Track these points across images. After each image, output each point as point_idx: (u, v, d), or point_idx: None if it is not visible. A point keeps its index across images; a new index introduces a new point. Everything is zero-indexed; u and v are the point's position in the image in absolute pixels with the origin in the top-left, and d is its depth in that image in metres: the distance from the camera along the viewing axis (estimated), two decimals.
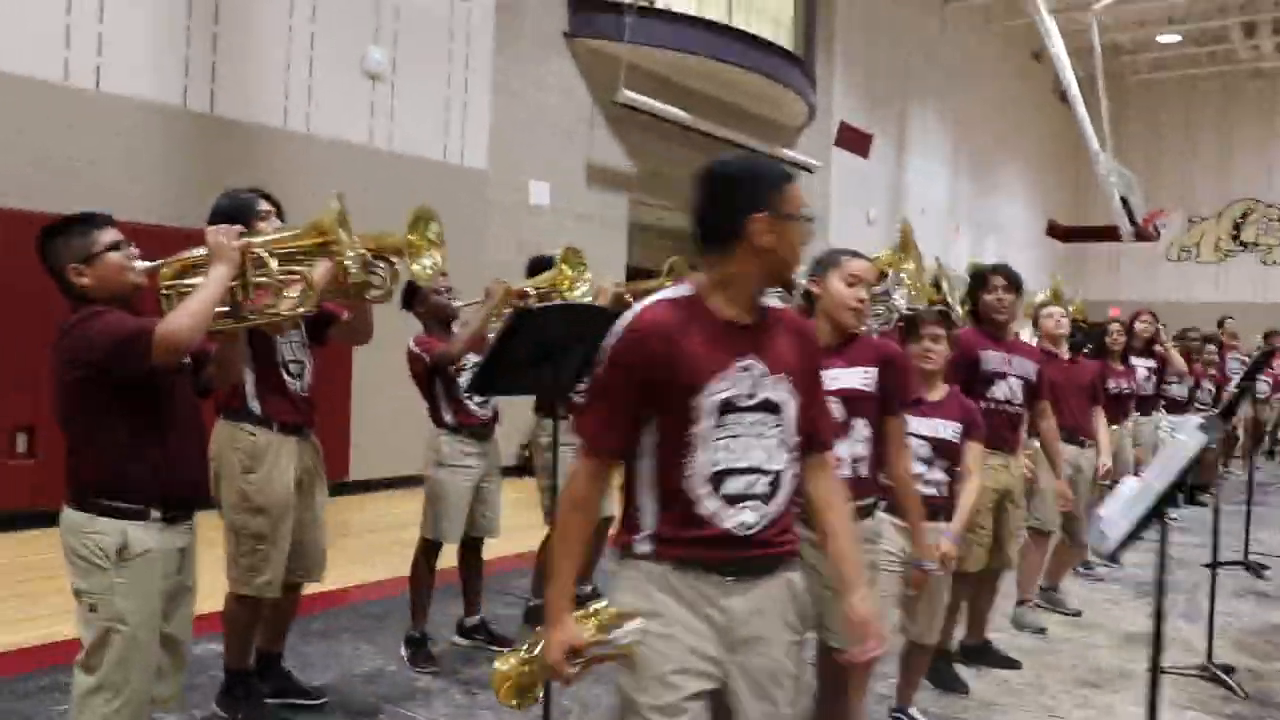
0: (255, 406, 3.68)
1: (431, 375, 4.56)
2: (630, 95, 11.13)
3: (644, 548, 2.14)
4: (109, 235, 2.77)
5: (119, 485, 2.70)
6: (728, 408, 2.10)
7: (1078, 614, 5.98)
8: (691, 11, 11.60)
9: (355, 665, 4.54)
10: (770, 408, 2.14)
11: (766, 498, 2.15)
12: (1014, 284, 4.77)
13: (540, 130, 10.64)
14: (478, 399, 4.62)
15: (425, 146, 9.38)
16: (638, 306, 2.15)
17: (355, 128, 8.81)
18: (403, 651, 4.61)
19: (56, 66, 7.06)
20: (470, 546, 4.77)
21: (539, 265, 5.04)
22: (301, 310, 2.92)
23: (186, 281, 2.85)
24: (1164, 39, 21.01)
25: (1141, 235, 17.19)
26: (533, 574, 5.27)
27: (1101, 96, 16.28)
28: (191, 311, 2.65)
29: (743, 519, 2.11)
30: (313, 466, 3.90)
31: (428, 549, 4.65)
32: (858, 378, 3.17)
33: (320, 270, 2.93)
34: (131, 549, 2.69)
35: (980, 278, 4.82)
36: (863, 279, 3.16)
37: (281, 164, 8.20)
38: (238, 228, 2.86)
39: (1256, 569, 7.19)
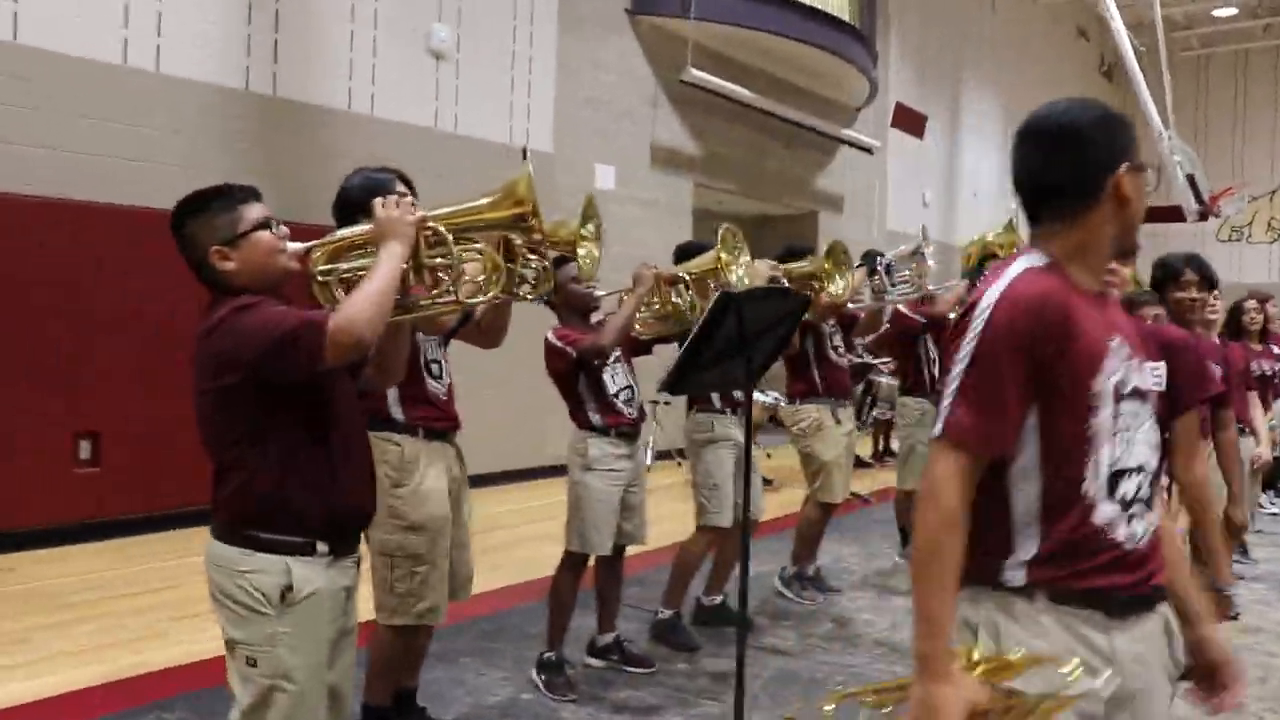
0: (398, 413, 3.23)
1: (576, 371, 4.12)
2: (697, 74, 10.64)
3: (1015, 576, 1.72)
4: (256, 211, 2.31)
5: (280, 514, 2.25)
6: (1118, 394, 1.74)
7: (1234, 617, 5.52)
8: None
9: (485, 694, 4.08)
10: (1140, 395, 1.80)
11: (1149, 502, 1.78)
12: (1207, 279, 4.22)
13: (604, 112, 10.17)
14: (625, 396, 4.18)
15: (490, 129, 8.91)
16: (1006, 276, 1.73)
17: (420, 109, 8.35)
18: (536, 676, 4.16)
19: (115, 47, 6.61)
20: (611, 557, 4.32)
21: (688, 251, 4.61)
22: (487, 298, 2.45)
23: (346, 265, 2.38)
24: (1220, 13, 20.37)
25: (1204, 215, 16.57)
26: (669, 582, 4.82)
27: (1164, 72, 15.67)
28: (371, 298, 2.18)
29: (1133, 530, 1.73)
30: (460, 475, 3.46)
31: (574, 563, 4.21)
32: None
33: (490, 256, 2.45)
34: (297, 591, 2.23)
35: (1168, 269, 4.27)
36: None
37: (346, 147, 7.74)
38: (409, 198, 2.39)
39: None
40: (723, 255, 4.17)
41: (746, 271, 4.23)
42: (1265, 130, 22.33)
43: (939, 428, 1.68)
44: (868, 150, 13.97)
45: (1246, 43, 21.77)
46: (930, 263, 5.73)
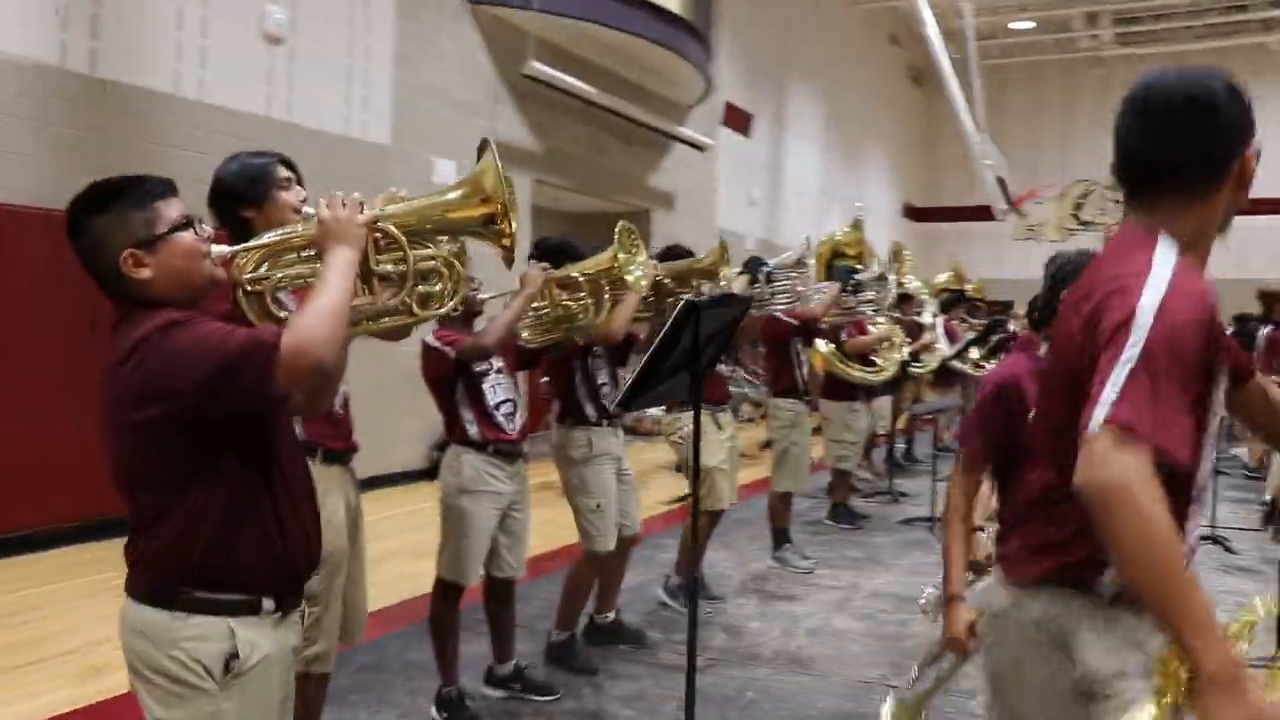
0: (299, 431, 2.87)
1: (454, 378, 3.80)
2: (539, 68, 10.36)
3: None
4: (175, 208, 1.96)
5: (221, 569, 1.90)
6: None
7: None
8: None
9: None
10: None
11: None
12: None
13: (444, 103, 9.75)
14: (506, 409, 3.89)
15: (326, 118, 8.38)
16: (1162, 271, 1.57)
17: (253, 95, 7.75)
18: (437, 714, 3.85)
19: None
20: (500, 580, 4.03)
21: (560, 250, 4.32)
22: (445, 308, 2.16)
23: (281, 273, 2.06)
24: (1017, 25, 21.55)
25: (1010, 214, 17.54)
26: (560, 605, 4.57)
27: (975, 78, 16.45)
28: (326, 313, 1.86)
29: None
30: (356, 503, 3.12)
31: (448, 592, 3.89)
32: None
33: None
34: (244, 658, 1.90)
35: None
36: None
37: (172, 135, 7.13)
38: (356, 196, 2.08)
39: None
40: (620, 254, 3.94)
41: (645, 271, 4.03)
42: (1054, 137, 23.80)
43: (1112, 424, 1.45)
44: (700, 148, 14.01)
45: (1038, 55, 23.12)
46: (810, 271, 5.77)
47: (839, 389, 7.56)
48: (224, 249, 2.03)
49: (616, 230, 3.97)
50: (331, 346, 1.85)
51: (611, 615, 4.84)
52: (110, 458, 1.91)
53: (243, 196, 2.67)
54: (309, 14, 8.18)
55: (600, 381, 4.47)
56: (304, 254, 2.08)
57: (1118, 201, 15.08)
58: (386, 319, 2.13)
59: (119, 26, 6.81)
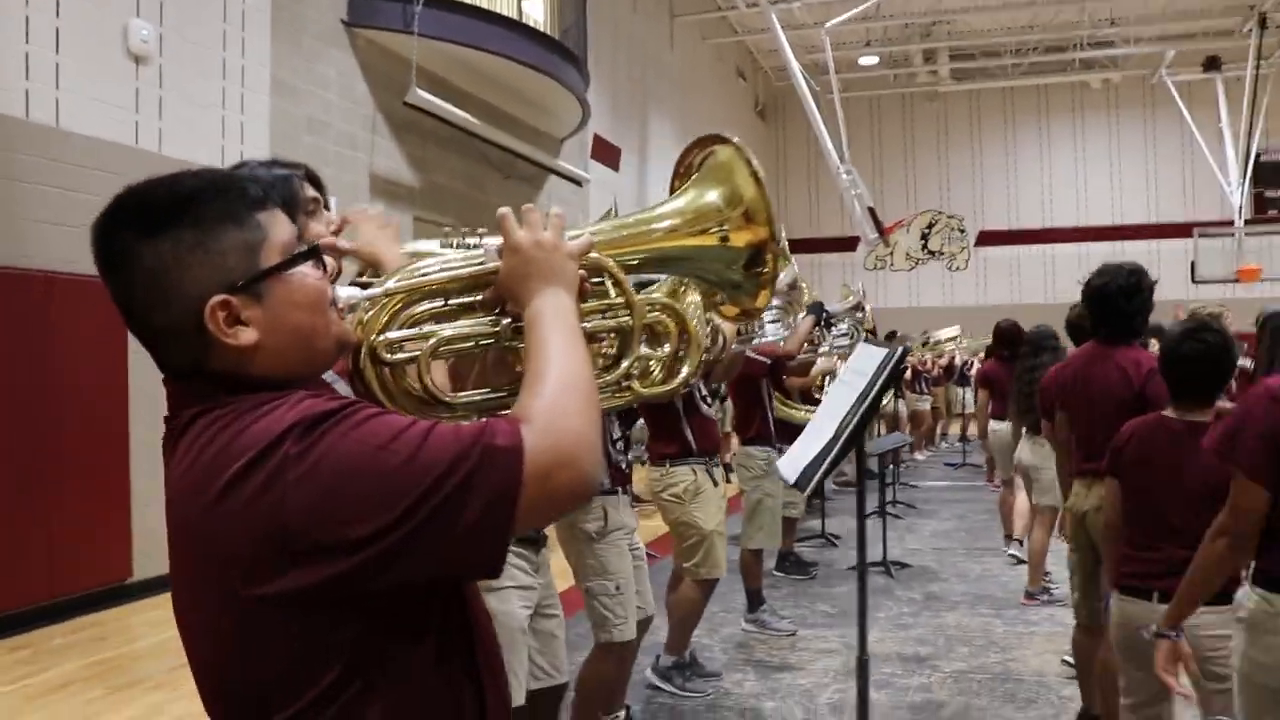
0: None
1: None
2: (423, 96, 9.60)
3: None
4: (283, 225, 1.24)
5: None
6: None
7: None
8: (483, 3, 10.21)
9: None
10: None
11: None
12: None
13: (324, 135, 8.89)
14: None
15: (199, 150, 7.40)
16: None
17: (118, 123, 6.74)
18: None
19: None
20: (535, 695, 3.31)
21: None
22: (674, 384, 1.50)
23: (440, 332, 1.36)
24: (865, 60, 21.97)
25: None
26: (574, 711, 3.87)
27: (839, 111, 16.54)
28: (572, 388, 1.19)
29: None
30: None
31: None
32: None
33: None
34: None
35: None
36: None
37: (25, 167, 6.09)
38: (558, 212, 1.41)
39: None
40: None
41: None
42: (898, 168, 24.40)
43: None
44: (578, 183, 13.47)
45: (879, 89, 23.66)
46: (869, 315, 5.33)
47: (782, 431, 7.10)
48: (354, 292, 1.31)
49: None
50: (596, 445, 1.18)
51: (623, 713, 4.17)
52: (199, 656, 1.18)
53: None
54: (178, 32, 7.23)
55: (614, 437, 3.84)
56: (460, 301, 1.38)
57: (962, 231, 15.43)
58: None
59: None
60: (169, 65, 7.15)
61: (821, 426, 2.68)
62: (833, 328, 6.13)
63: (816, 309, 5.54)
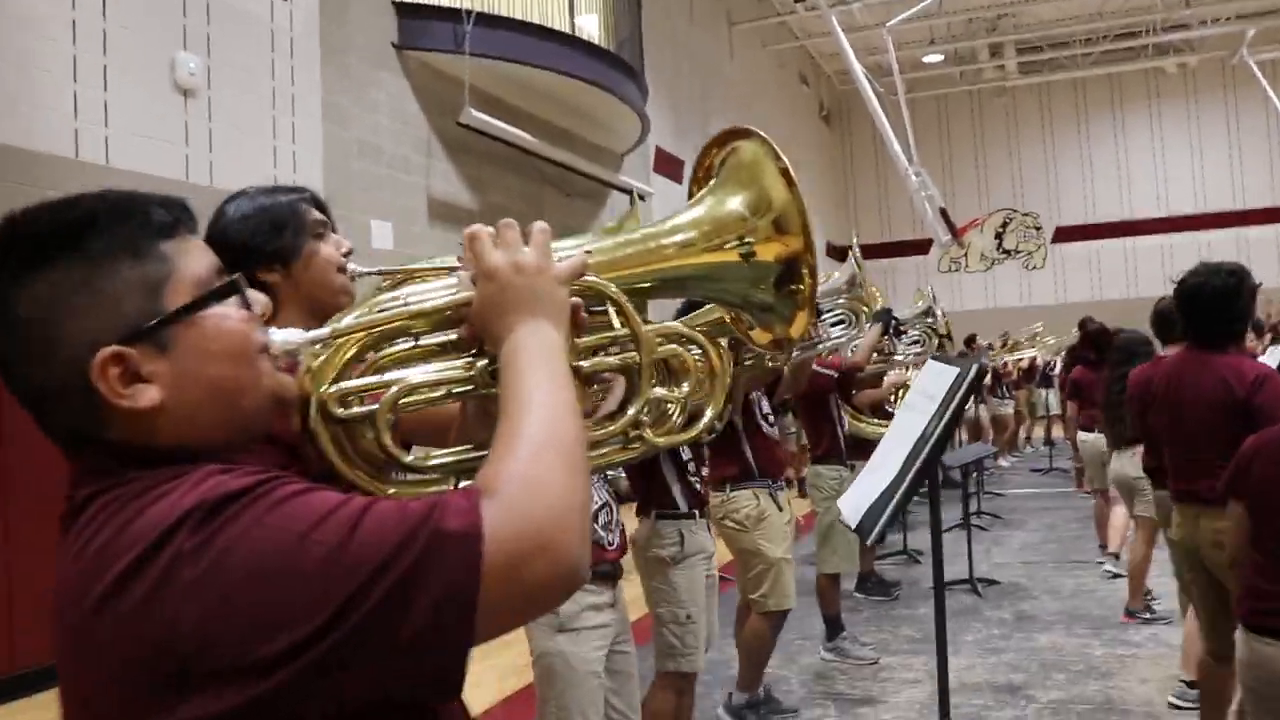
0: None
1: None
2: (477, 115, 9.48)
3: None
4: (199, 255, 1.02)
5: None
6: None
7: None
8: (535, 19, 10.09)
9: None
10: None
11: None
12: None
13: (377, 160, 8.80)
14: (603, 519, 2.99)
15: (252, 181, 7.33)
16: None
17: (167, 157, 6.70)
18: None
19: None
20: None
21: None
22: (697, 428, 1.26)
23: (404, 380, 1.11)
24: (929, 59, 21.49)
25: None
26: None
27: (905, 111, 16.14)
28: (552, 448, 0.94)
29: None
30: None
31: None
32: None
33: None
34: None
35: None
36: None
37: None
38: (541, 226, 1.15)
39: None
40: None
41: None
42: (969, 167, 23.81)
43: None
44: (641, 197, 13.28)
45: (945, 88, 23.13)
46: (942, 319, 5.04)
47: (855, 448, 6.78)
48: (292, 335, 1.07)
49: None
50: (581, 522, 0.93)
51: None
52: None
53: (260, 252, 1.78)
54: (225, 62, 7.18)
55: (686, 458, 3.61)
56: (431, 341, 1.15)
57: (1038, 229, 14.88)
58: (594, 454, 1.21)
59: (6, 81, 5.73)
60: (217, 96, 7.10)
61: (886, 459, 2.41)
62: (903, 335, 5.79)
63: (884, 316, 5.23)
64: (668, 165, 15.13)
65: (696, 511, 3.66)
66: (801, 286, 1.20)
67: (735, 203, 1.23)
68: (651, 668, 3.60)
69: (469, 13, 9.16)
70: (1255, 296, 3.50)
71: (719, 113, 17.38)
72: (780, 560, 4.40)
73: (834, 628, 5.60)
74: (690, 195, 1.36)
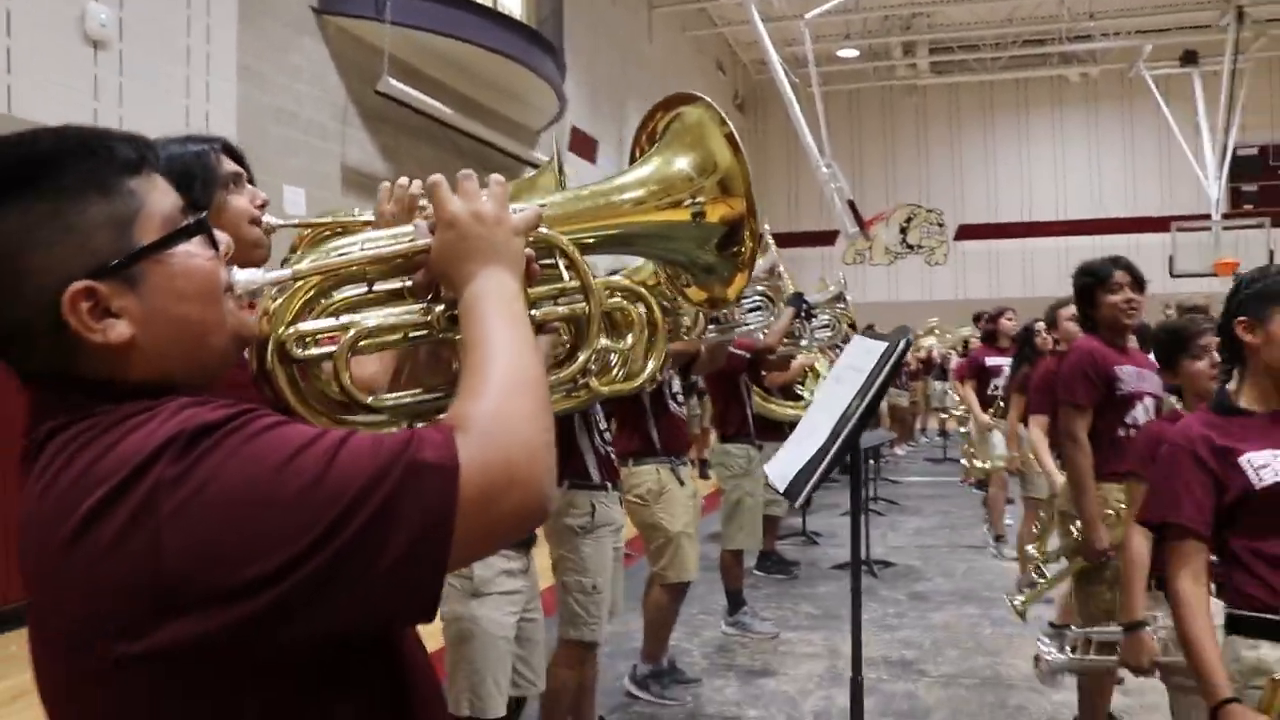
0: None
1: None
2: (396, 85, 9.38)
3: None
4: (164, 193, 1.03)
5: None
6: None
7: None
8: None
9: None
10: None
11: None
12: (1139, 280, 3.88)
13: (292, 125, 8.65)
14: None
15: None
16: None
17: (75, 110, 6.49)
18: None
19: None
20: (516, 707, 3.15)
21: None
22: (640, 379, 1.33)
23: (360, 323, 1.16)
24: (844, 53, 21.83)
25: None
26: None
27: (819, 105, 16.39)
28: (520, 387, 1.01)
29: None
30: None
31: None
32: None
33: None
34: None
35: (1096, 274, 3.86)
36: None
37: None
38: (497, 178, 1.22)
39: None
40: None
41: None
42: (878, 162, 24.28)
43: None
44: (562, 170, 13.25)
45: (858, 83, 23.52)
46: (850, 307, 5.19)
47: (763, 428, 6.92)
48: (254, 275, 1.10)
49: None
50: (549, 457, 0.99)
51: None
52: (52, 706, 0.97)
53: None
54: (138, 15, 6.98)
55: (602, 428, 3.69)
56: (386, 286, 1.20)
57: (941, 225, 15.24)
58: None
59: None
60: (130, 50, 6.90)
61: (814, 428, 2.50)
62: (813, 320, 5.94)
63: (797, 300, 5.37)
64: (582, 145, 15.13)
65: (609, 484, 3.74)
66: (743, 249, 1.28)
67: (682, 163, 1.30)
68: (556, 637, 3.66)
69: None
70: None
71: (636, 94, 17.42)
72: (680, 534, 4.50)
73: (736, 602, 5.75)
74: (633, 158, 1.43)
